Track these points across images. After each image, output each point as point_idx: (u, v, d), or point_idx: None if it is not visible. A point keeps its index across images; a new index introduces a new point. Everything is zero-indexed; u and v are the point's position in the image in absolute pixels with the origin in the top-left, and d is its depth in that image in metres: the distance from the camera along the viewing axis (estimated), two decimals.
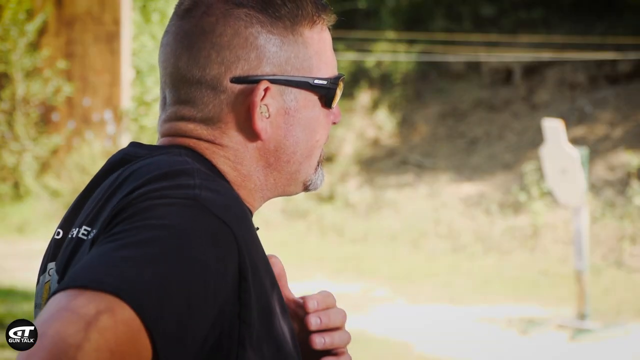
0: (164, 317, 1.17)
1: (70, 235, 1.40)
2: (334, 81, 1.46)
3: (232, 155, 1.42)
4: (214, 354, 1.25)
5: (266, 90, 1.40)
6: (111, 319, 1.13)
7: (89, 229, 1.36)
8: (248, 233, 1.31)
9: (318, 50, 1.45)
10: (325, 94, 1.45)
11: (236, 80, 1.40)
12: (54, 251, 1.44)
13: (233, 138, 1.42)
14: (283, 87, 1.42)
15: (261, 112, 1.41)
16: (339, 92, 1.47)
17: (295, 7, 1.43)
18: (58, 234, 1.44)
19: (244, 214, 1.33)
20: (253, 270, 1.30)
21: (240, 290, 1.27)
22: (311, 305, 1.45)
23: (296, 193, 1.51)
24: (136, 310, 1.15)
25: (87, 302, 1.13)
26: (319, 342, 1.45)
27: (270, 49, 1.41)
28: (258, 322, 1.30)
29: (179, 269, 1.20)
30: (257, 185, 1.45)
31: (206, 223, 1.26)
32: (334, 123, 1.51)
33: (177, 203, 1.27)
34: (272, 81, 1.41)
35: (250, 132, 1.41)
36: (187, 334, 1.20)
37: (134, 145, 1.45)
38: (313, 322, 1.45)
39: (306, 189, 1.50)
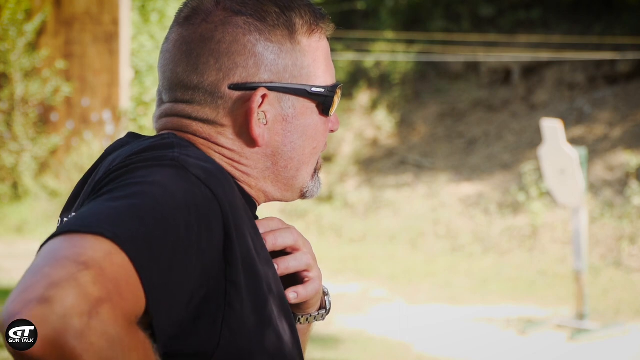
0: (152, 264, 1.18)
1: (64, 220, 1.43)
2: (332, 89, 1.48)
3: (229, 154, 1.44)
4: (201, 313, 1.26)
5: (264, 97, 1.42)
6: (106, 260, 1.14)
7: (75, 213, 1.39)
8: (231, 197, 1.32)
9: (316, 58, 1.47)
10: (322, 102, 1.47)
11: (234, 87, 1.41)
12: None
13: (229, 140, 1.43)
14: (281, 95, 1.44)
15: (259, 119, 1.42)
16: (336, 100, 1.49)
17: (294, 16, 1.45)
18: (59, 222, 1.47)
19: (227, 180, 1.34)
20: (238, 231, 1.31)
21: (225, 248, 1.28)
22: None
23: (292, 200, 1.52)
24: (128, 254, 1.15)
25: (77, 244, 1.14)
26: None
27: (268, 57, 1.42)
28: (244, 282, 1.30)
29: (164, 220, 1.22)
30: (256, 185, 1.46)
31: (187, 181, 1.28)
32: (332, 131, 1.52)
33: (157, 164, 1.30)
34: (270, 88, 1.42)
35: (247, 137, 1.43)
36: (172, 280, 1.21)
37: (130, 135, 1.47)
38: None
39: (303, 196, 1.51)
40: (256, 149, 1.44)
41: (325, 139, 1.51)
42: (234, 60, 1.41)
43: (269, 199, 1.49)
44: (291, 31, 1.44)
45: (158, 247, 1.19)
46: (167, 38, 1.47)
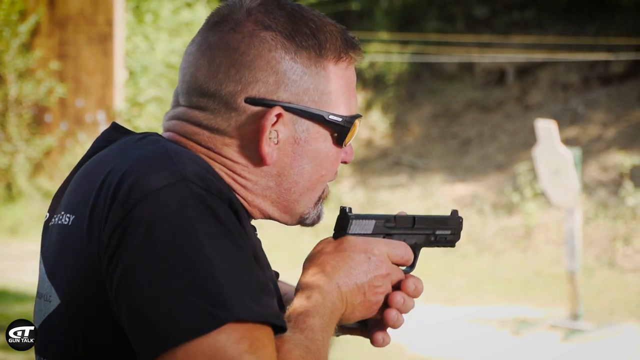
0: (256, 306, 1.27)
1: (54, 220, 1.43)
2: (349, 120, 1.45)
3: (231, 165, 1.42)
4: None
5: (279, 116, 1.40)
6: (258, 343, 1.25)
7: (70, 216, 1.38)
8: (229, 193, 1.35)
9: (339, 86, 1.45)
10: (338, 131, 1.45)
11: (250, 101, 1.40)
12: (43, 235, 1.47)
13: (235, 153, 1.42)
14: (296, 117, 1.42)
15: (270, 137, 1.41)
16: (353, 132, 1.47)
17: (324, 40, 1.43)
18: (47, 217, 1.47)
19: (220, 180, 1.36)
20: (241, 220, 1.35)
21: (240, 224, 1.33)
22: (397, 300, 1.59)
23: (291, 224, 1.52)
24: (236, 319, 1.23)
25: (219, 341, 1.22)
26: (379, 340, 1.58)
27: (290, 77, 1.41)
28: None
29: (221, 258, 1.27)
30: (253, 201, 1.46)
31: (199, 199, 1.28)
32: (345, 162, 1.50)
33: (163, 191, 1.28)
34: (286, 108, 1.41)
35: (254, 154, 1.42)
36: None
37: (116, 128, 1.46)
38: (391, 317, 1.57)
39: (302, 222, 1.52)
40: (262, 167, 1.43)
41: (335, 168, 1.49)
42: (254, 74, 1.40)
43: (264, 216, 1.48)
44: (318, 55, 1.43)
45: (247, 285, 1.28)
46: (193, 40, 1.45)
